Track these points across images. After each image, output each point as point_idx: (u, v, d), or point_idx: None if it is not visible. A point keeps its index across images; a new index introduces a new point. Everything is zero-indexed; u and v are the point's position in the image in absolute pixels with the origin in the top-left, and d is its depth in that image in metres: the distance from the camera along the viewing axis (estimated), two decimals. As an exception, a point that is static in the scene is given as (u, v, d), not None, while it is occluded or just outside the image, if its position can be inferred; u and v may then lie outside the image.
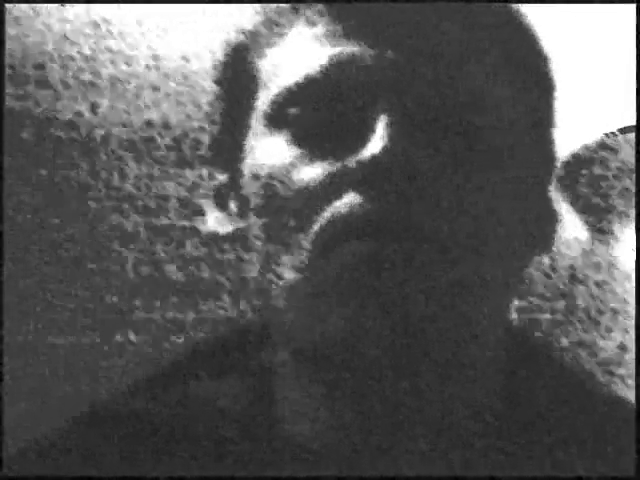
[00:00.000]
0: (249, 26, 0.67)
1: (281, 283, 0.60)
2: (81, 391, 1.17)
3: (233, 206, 0.66)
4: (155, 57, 1.26)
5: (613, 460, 0.63)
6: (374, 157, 0.57)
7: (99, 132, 1.25)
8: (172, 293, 1.24)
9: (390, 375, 0.59)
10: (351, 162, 0.58)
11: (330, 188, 0.59)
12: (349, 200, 0.58)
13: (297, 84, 0.61)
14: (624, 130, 1.31)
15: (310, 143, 0.60)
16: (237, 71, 0.66)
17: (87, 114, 1.24)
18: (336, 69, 0.60)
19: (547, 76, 0.67)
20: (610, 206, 1.34)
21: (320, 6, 0.62)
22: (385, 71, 0.59)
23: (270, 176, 0.61)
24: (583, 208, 1.36)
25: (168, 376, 0.70)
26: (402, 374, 0.59)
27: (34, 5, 1.20)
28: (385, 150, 0.57)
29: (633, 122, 1.19)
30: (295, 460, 0.62)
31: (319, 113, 0.60)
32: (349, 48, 0.60)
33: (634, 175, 1.28)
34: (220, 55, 0.68)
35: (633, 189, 1.30)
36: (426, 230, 0.58)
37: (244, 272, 0.64)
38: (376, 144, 0.57)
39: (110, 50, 1.24)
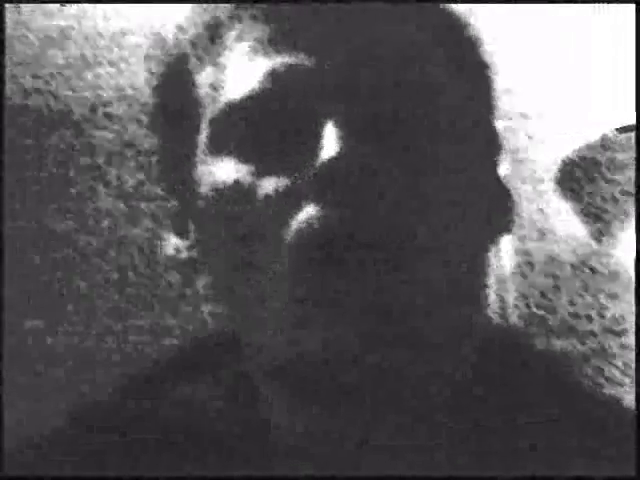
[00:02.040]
0: (183, 43, 0.65)
1: (249, 296, 0.59)
2: (80, 391, 1.17)
3: (192, 232, 0.65)
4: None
5: (613, 460, 0.63)
6: (325, 165, 0.56)
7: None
8: (167, 298, 1.25)
9: (369, 379, 0.59)
10: (304, 174, 0.58)
11: (288, 202, 0.58)
12: (308, 212, 0.57)
13: (239, 100, 0.60)
14: (624, 130, 1.31)
15: (260, 159, 0.59)
16: (175, 92, 0.65)
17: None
18: (276, 81, 0.59)
19: (482, 64, 0.67)
20: (610, 206, 1.34)
21: (257, 14, 0.61)
22: (327, 76, 0.59)
23: (226, 197, 0.60)
24: (583, 208, 1.36)
25: (165, 376, 0.70)
26: (380, 377, 0.59)
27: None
28: (335, 157, 0.56)
29: (633, 122, 1.19)
30: (285, 460, 0.63)
31: (266, 127, 0.59)
32: (287, 58, 0.60)
33: (634, 175, 1.28)
34: (156, 75, 0.67)
35: (633, 189, 1.30)
36: (389, 234, 0.57)
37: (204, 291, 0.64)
38: (326, 152, 0.57)
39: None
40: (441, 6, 0.65)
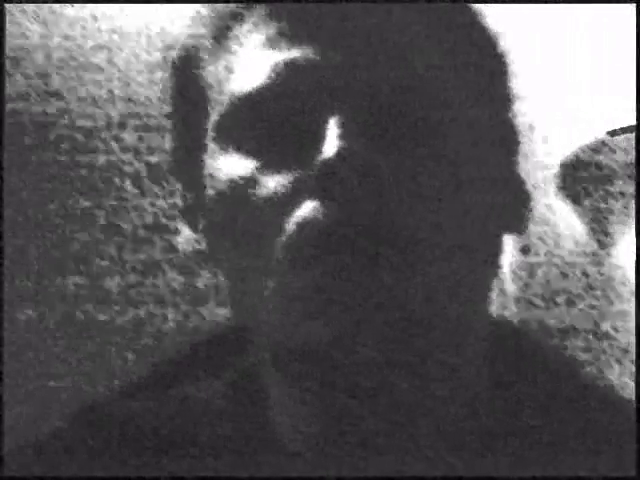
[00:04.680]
0: (189, 38, 0.65)
1: (256, 291, 0.59)
2: (80, 391, 1.17)
3: (202, 224, 0.65)
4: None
5: (613, 460, 0.63)
6: (327, 163, 0.56)
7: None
8: (170, 297, 1.24)
9: (374, 375, 0.59)
10: (307, 170, 0.58)
11: (289, 199, 0.58)
12: (308, 209, 0.57)
13: (245, 96, 0.60)
14: (624, 130, 1.31)
15: (265, 154, 0.60)
16: (183, 88, 0.65)
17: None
18: (282, 76, 0.59)
19: (501, 63, 0.66)
20: (610, 207, 1.34)
21: (263, 10, 0.61)
22: (332, 74, 0.59)
23: (232, 192, 0.60)
24: (583, 209, 1.36)
25: (164, 377, 0.70)
26: (386, 375, 0.59)
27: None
28: (337, 154, 0.56)
29: (633, 122, 1.19)
30: (286, 460, 0.63)
31: (271, 123, 0.59)
32: (293, 53, 0.60)
33: (634, 176, 1.28)
34: (164, 74, 0.67)
35: (633, 190, 1.30)
36: (391, 231, 0.57)
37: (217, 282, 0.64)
38: (329, 149, 0.57)
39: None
40: (451, 4, 0.65)
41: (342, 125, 0.57)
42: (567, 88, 1.32)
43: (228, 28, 0.63)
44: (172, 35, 0.67)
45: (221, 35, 0.63)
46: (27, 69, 1.23)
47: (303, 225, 0.57)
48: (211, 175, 0.62)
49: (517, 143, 0.67)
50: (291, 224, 0.57)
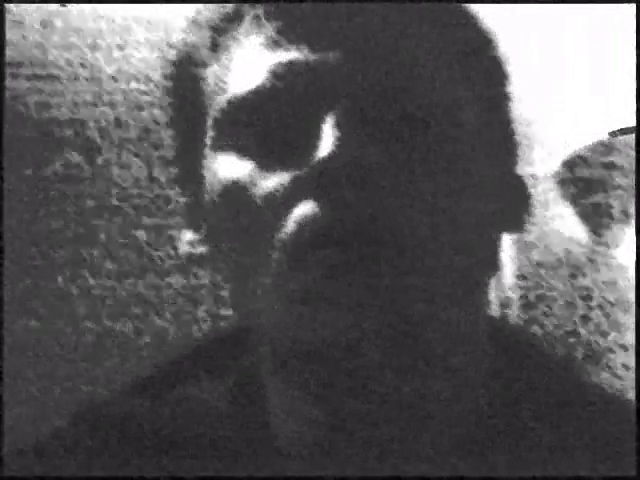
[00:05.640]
0: (188, 39, 0.66)
1: (258, 291, 0.59)
2: (80, 391, 1.17)
3: (204, 226, 0.65)
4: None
5: (614, 459, 0.63)
6: (323, 163, 0.56)
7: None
8: (171, 299, 1.25)
9: (376, 375, 0.59)
10: (304, 170, 0.58)
11: (287, 199, 0.58)
12: (306, 208, 0.57)
13: (243, 96, 0.60)
14: (624, 130, 1.31)
15: (263, 155, 0.60)
16: (182, 89, 0.65)
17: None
18: (280, 77, 0.59)
19: (498, 65, 0.66)
20: (610, 206, 1.34)
21: (261, 10, 0.62)
22: (329, 74, 0.59)
23: (230, 192, 0.60)
24: (583, 208, 1.36)
25: (164, 377, 0.70)
26: (386, 375, 0.59)
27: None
28: (334, 155, 0.56)
29: (633, 122, 1.19)
30: (286, 462, 0.63)
31: (268, 123, 0.60)
32: (291, 54, 0.60)
33: (634, 175, 1.28)
34: (163, 75, 0.67)
35: (633, 189, 1.30)
36: (388, 231, 0.57)
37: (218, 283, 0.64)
38: (325, 149, 0.57)
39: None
40: (451, 5, 0.65)
41: (338, 125, 0.57)
42: (566, 88, 1.32)
43: (226, 29, 0.63)
44: (171, 35, 0.67)
45: (219, 36, 0.63)
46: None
47: (301, 225, 0.57)
48: (209, 175, 0.62)
49: (516, 143, 0.67)
50: (289, 224, 0.57)
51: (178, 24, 0.67)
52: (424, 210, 0.58)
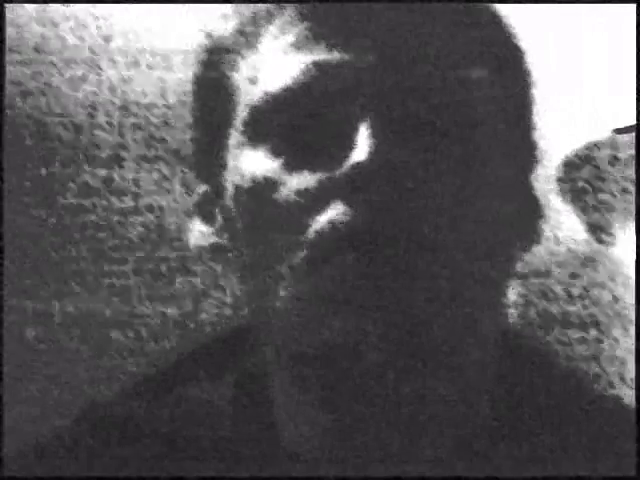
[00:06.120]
0: (221, 38, 0.66)
1: (274, 291, 0.59)
2: (81, 392, 1.16)
3: (219, 219, 0.65)
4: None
5: (614, 460, 0.63)
6: (358, 165, 0.56)
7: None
8: (170, 296, 1.24)
9: (388, 378, 0.59)
10: (335, 172, 0.57)
11: (316, 199, 0.58)
12: (336, 210, 0.57)
13: (275, 94, 0.60)
14: (624, 130, 1.30)
15: (291, 154, 0.60)
16: (212, 85, 0.65)
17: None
18: (313, 77, 0.59)
19: (525, 71, 0.66)
20: (610, 206, 1.34)
21: (294, 10, 0.62)
22: (362, 75, 0.59)
23: (254, 188, 0.60)
24: (583, 208, 1.36)
25: (166, 378, 0.70)
26: (401, 377, 0.59)
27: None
28: (368, 157, 0.56)
29: (633, 122, 1.19)
30: (289, 462, 0.63)
31: (299, 123, 0.59)
32: (324, 55, 0.60)
33: (634, 175, 1.28)
34: (194, 70, 0.67)
35: (633, 189, 1.30)
36: (415, 235, 0.57)
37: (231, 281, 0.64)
38: (359, 151, 0.56)
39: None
40: (483, 7, 0.65)
41: (372, 128, 0.57)
42: (566, 88, 1.32)
43: (259, 28, 0.63)
44: (203, 34, 0.67)
45: (252, 34, 0.63)
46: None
47: (329, 226, 0.57)
48: (232, 170, 0.62)
49: (534, 152, 0.67)
50: (315, 225, 0.57)
51: (209, 22, 0.67)
52: (452, 216, 0.58)
